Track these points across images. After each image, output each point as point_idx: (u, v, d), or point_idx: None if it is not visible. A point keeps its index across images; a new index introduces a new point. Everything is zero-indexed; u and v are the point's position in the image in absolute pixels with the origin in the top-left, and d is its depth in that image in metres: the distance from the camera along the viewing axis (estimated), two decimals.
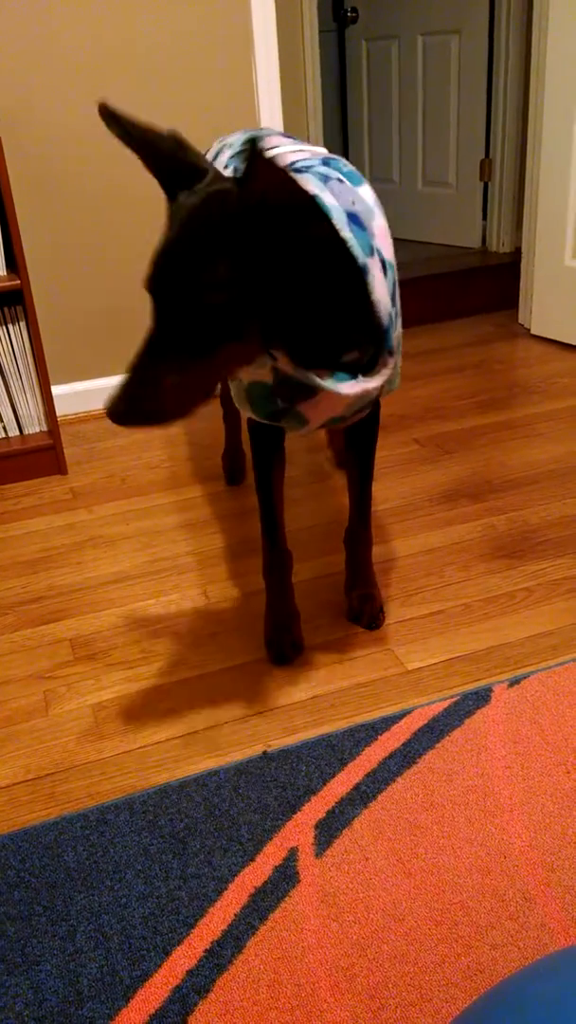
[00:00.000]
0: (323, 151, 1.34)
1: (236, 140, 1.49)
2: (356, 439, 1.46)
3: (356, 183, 1.17)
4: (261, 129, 1.56)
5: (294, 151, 1.29)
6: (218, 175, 1.05)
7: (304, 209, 0.99)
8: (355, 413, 1.33)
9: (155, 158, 1.05)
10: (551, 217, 2.77)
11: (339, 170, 1.19)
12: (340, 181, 1.14)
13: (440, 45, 4.03)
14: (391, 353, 1.18)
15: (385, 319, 1.14)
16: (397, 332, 1.26)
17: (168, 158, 1.05)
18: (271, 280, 1.01)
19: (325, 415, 1.27)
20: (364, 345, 1.16)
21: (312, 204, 1.02)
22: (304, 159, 1.22)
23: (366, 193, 1.17)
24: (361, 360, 1.18)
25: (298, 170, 1.15)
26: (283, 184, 0.95)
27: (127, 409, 1.01)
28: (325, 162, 1.21)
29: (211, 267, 0.97)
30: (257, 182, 0.93)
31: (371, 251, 1.11)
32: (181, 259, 0.98)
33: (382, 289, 1.13)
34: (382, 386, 1.31)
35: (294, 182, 0.95)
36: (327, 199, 1.08)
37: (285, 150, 1.31)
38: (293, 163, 1.24)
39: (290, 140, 1.41)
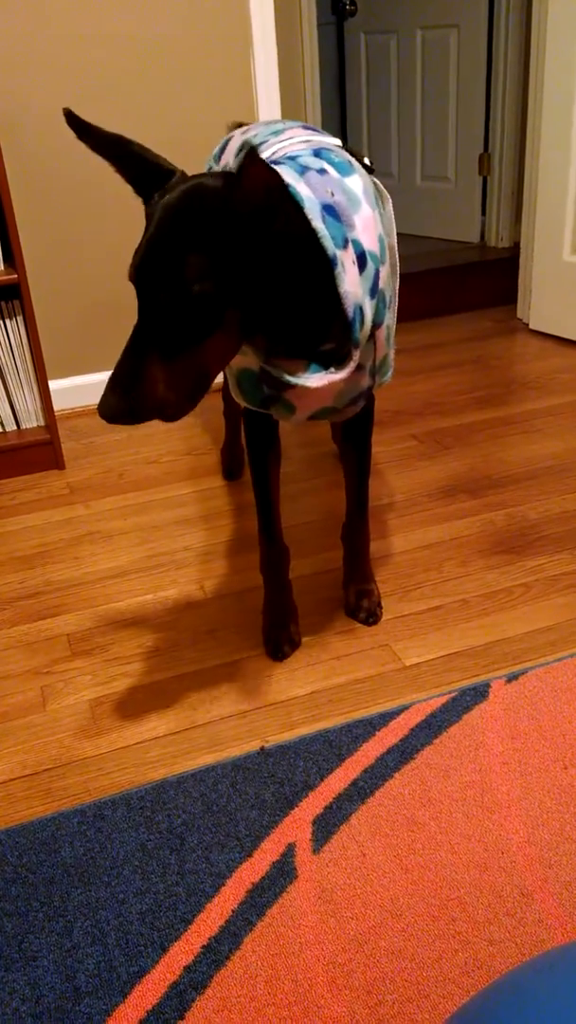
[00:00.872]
0: (334, 141, 1.34)
1: (261, 131, 1.51)
2: (351, 431, 1.45)
3: (344, 173, 1.16)
4: (282, 121, 1.55)
5: (299, 142, 1.29)
6: (185, 174, 1.08)
7: (277, 200, 1.01)
8: (349, 405, 1.33)
9: (125, 163, 1.09)
10: (550, 212, 2.76)
11: (329, 160, 1.18)
12: (323, 172, 1.14)
13: (439, 39, 4.02)
14: (356, 346, 1.19)
15: (351, 312, 1.14)
16: (388, 322, 1.27)
17: (137, 162, 1.08)
18: (249, 269, 1.03)
19: (313, 404, 1.27)
20: (339, 337, 1.18)
21: (285, 194, 1.03)
22: (295, 150, 1.22)
23: (354, 183, 1.16)
24: (337, 352, 1.19)
25: (276, 162, 1.15)
26: (264, 180, 0.98)
27: (118, 407, 1.01)
28: (316, 152, 1.20)
29: (193, 257, 1.00)
30: (249, 181, 0.96)
31: (344, 243, 1.11)
32: (165, 251, 1.00)
33: (352, 282, 1.13)
34: (374, 378, 1.31)
35: (275, 176, 0.98)
36: (301, 189, 1.08)
37: (291, 141, 1.31)
38: (275, 155, 1.25)
39: (309, 131, 1.41)
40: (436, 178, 4.29)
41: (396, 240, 1.42)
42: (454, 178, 4.21)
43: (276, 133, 1.40)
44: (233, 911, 1.04)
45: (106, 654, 1.52)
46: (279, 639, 1.49)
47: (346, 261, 1.12)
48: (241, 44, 2.38)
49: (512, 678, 1.37)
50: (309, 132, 1.39)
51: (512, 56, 3.79)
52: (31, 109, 2.24)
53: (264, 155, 1.26)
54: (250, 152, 0.92)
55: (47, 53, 2.21)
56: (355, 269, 1.14)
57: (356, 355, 1.19)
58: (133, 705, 1.39)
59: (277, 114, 2.49)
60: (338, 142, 1.35)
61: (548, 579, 1.62)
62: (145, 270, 1.02)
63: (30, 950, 1.01)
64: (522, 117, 3.75)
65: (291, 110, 3.37)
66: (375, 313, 1.20)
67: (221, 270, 1.01)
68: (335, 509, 1.92)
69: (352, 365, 1.19)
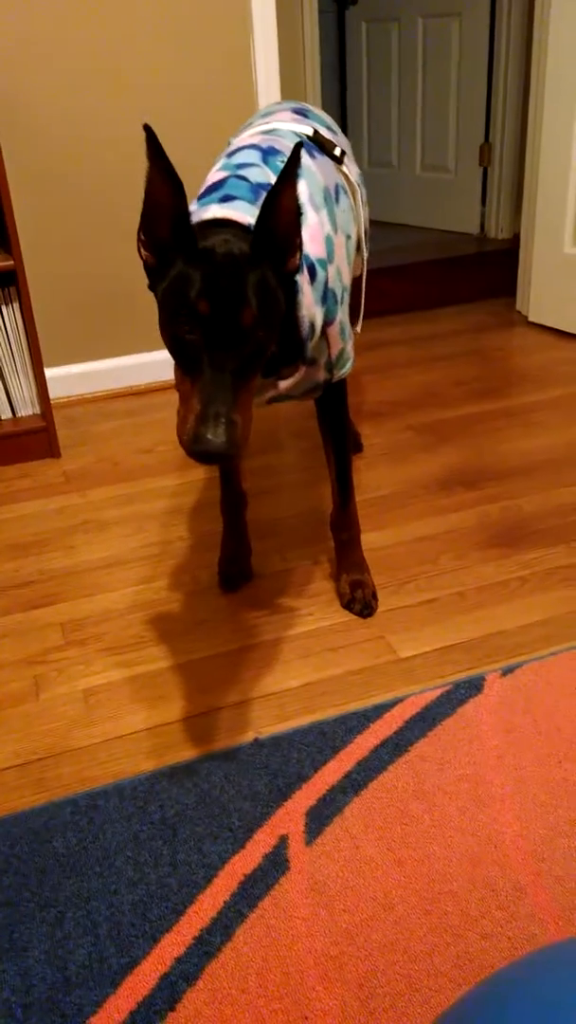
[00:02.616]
0: (305, 131, 1.34)
1: (253, 117, 1.51)
2: (324, 411, 1.45)
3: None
4: (278, 103, 1.55)
5: (257, 134, 1.30)
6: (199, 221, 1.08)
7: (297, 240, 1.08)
8: (306, 394, 1.36)
9: (175, 187, 1.01)
10: (551, 203, 2.75)
11: (275, 169, 1.18)
12: (268, 186, 1.13)
13: (441, 28, 3.99)
14: (307, 363, 1.25)
15: (305, 332, 1.19)
16: (340, 318, 1.28)
17: (180, 201, 1.02)
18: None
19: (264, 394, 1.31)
20: (290, 349, 1.21)
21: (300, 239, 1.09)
22: (245, 154, 1.21)
23: (301, 190, 1.15)
24: (283, 357, 1.22)
25: (229, 196, 1.12)
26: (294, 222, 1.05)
27: (226, 443, 0.95)
28: (265, 158, 1.20)
29: (277, 291, 1.05)
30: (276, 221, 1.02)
31: (300, 267, 1.14)
32: (250, 287, 1.00)
33: (308, 304, 1.17)
34: (331, 372, 1.34)
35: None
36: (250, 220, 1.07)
37: (249, 133, 1.32)
38: (233, 146, 1.27)
39: (294, 116, 1.41)
40: (436, 168, 4.27)
41: (367, 226, 1.48)
42: (454, 168, 4.19)
43: (265, 115, 1.46)
44: (225, 903, 1.04)
45: (100, 643, 1.51)
46: (231, 573, 1.62)
47: (303, 284, 1.15)
48: (241, 33, 2.36)
49: (507, 671, 1.36)
50: (296, 118, 1.42)
51: (514, 45, 3.77)
52: (28, 95, 2.22)
53: (216, 173, 1.25)
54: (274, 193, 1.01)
55: (44, 38, 2.19)
56: (309, 288, 1.16)
57: (303, 369, 1.25)
58: (127, 695, 1.39)
59: None
60: (309, 131, 1.35)
61: (544, 572, 1.62)
62: (233, 304, 0.98)
63: (21, 940, 1.01)
64: (523, 107, 3.73)
65: (291, 99, 3.35)
66: (325, 312, 1.23)
67: (280, 299, 1.07)
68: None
69: (298, 376, 1.25)
